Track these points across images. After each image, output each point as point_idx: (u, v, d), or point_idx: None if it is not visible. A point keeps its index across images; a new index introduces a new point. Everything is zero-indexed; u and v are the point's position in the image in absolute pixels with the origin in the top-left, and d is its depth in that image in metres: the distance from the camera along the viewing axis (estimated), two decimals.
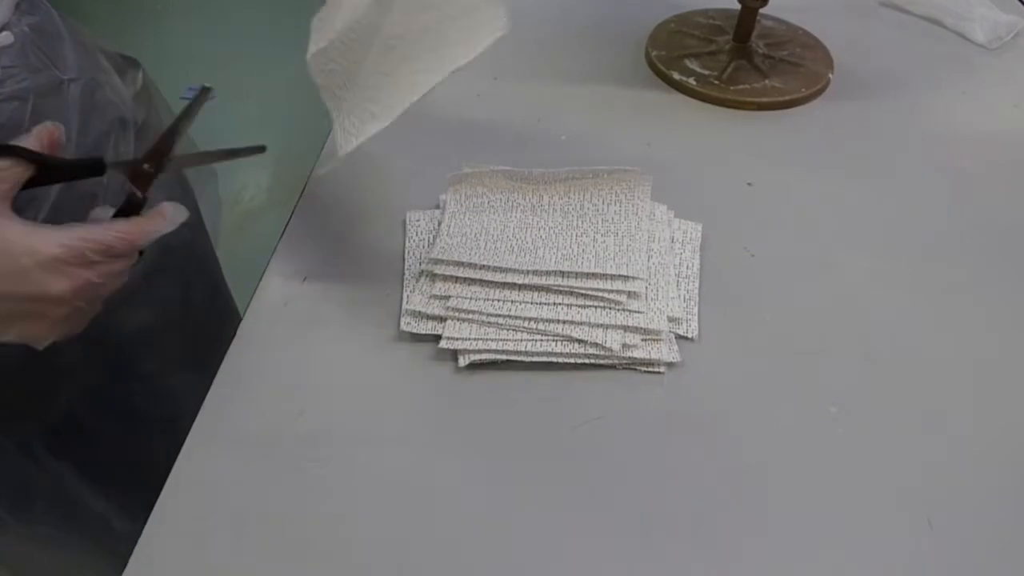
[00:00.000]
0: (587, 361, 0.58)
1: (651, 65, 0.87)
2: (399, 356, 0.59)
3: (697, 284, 0.63)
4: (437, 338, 0.58)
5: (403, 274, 0.63)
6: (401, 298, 0.61)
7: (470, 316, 0.58)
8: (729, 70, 0.85)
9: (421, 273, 0.62)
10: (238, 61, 2.10)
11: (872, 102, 0.84)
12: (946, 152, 0.78)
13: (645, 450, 0.54)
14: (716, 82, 0.84)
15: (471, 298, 0.59)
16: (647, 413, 0.56)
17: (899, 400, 0.57)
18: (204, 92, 0.54)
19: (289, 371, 0.58)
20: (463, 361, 0.57)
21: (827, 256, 0.67)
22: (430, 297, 0.60)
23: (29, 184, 0.46)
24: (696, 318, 0.61)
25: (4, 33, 0.54)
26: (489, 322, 0.58)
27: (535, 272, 0.59)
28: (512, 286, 0.59)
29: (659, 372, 0.58)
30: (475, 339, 0.58)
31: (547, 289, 0.59)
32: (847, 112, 0.83)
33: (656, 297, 0.61)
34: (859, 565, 0.49)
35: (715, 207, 0.70)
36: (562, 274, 0.59)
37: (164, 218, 0.50)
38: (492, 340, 0.58)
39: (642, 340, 0.58)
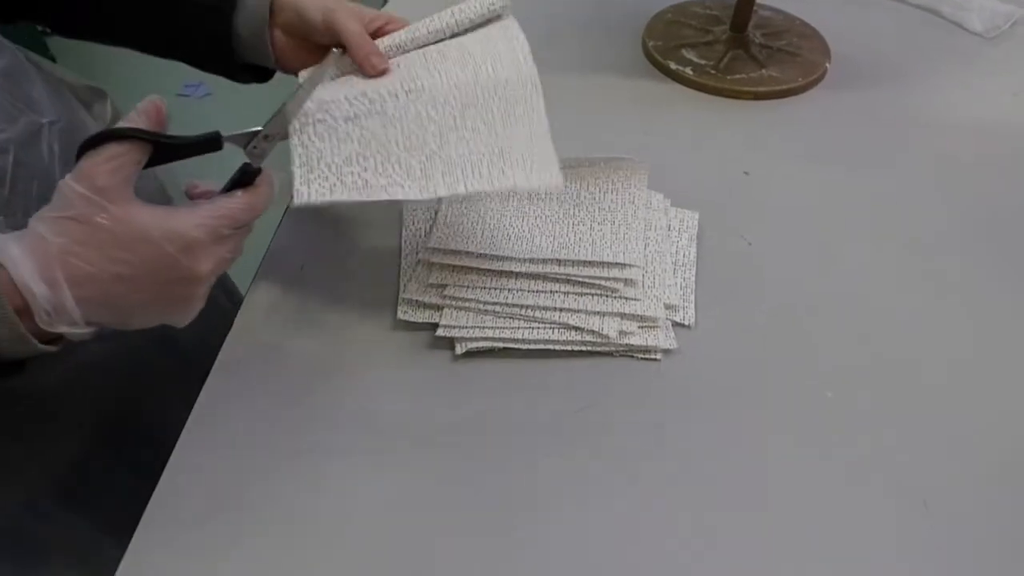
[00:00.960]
0: (584, 348, 0.58)
1: (648, 55, 0.87)
2: (396, 345, 0.59)
3: (693, 272, 0.63)
4: (434, 326, 0.58)
5: (400, 263, 0.63)
6: (398, 287, 0.62)
7: (467, 304, 0.59)
8: (726, 60, 0.85)
9: (418, 262, 0.62)
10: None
11: (869, 92, 0.84)
12: (943, 141, 0.78)
13: (642, 436, 0.54)
14: (713, 72, 0.84)
15: (468, 286, 0.59)
16: (644, 400, 0.56)
17: (894, 385, 0.57)
18: (341, 59, 0.54)
19: (285, 361, 0.58)
20: (460, 349, 0.57)
21: (823, 244, 0.67)
22: (427, 286, 0.60)
23: (146, 165, 0.46)
24: (692, 305, 0.61)
25: None
26: (486, 310, 0.58)
27: (532, 260, 0.59)
28: (509, 274, 0.60)
29: (655, 359, 0.58)
30: (472, 327, 0.58)
31: (544, 277, 0.59)
32: (844, 102, 0.83)
33: (652, 285, 0.61)
34: (856, 547, 0.49)
35: (712, 196, 0.70)
36: (559, 262, 0.60)
37: (272, 185, 0.49)
38: (489, 328, 0.58)
39: (639, 327, 0.58)
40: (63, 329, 0.43)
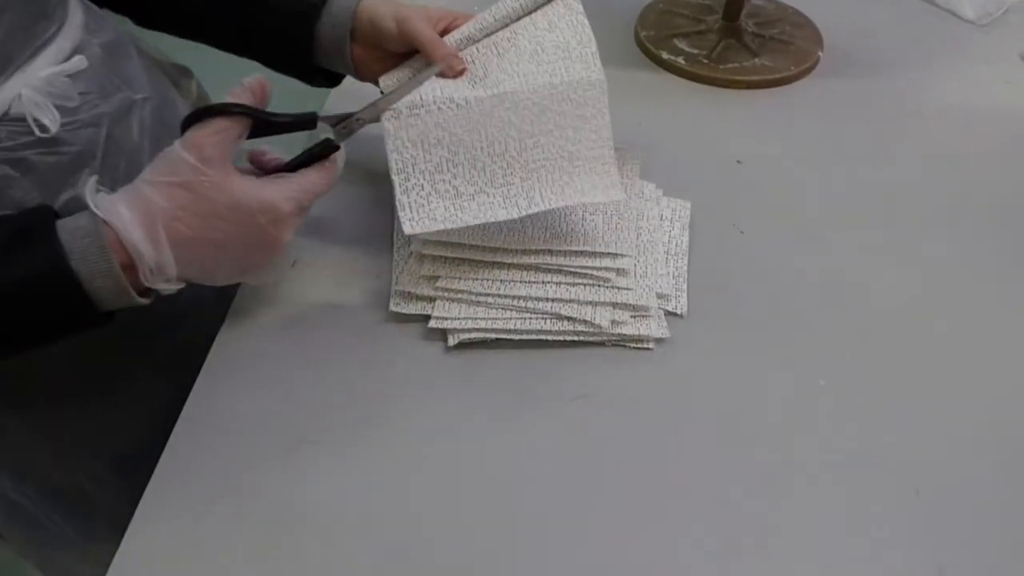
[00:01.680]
0: (576, 338, 0.58)
1: (640, 45, 0.87)
2: (389, 337, 0.59)
3: (686, 261, 0.63)
4: (427, 318, 0.58)
5: (392, 255, 0.63)
6: (391, 279, 0.61)
7: (459, 296, 0.59)
8: (718, 49, 0.85)
9: (410, 254, 0.62)
10: None
11: (862, 80, 0.84)
12: (937, 130, 0.78)
13: (635, 426, 0.54)
14: (705, 61, 0.83)
15: (460, 277, 0.59)
16: (637, 389, 0.56)
17: (887, 373, 0.57)
18: (432, 66, 0.57)
19: (279, 354, 0.58)
20: (453, 340, 0.57)
21: (816, 233, 0.67)
22: (419, 277, 0.60)
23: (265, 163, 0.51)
24: (685, 294, 0.61)
25: (78, 57, 0.53)
26: (478, 301, 0.58)
27: (524, 251, 0.59)
28: (501, 265, 0.59)
29: (648, 348, 0.58)
30: (464, 318, 0.58)
31: (536, 268, 0.59)
32: (837, 90, 0.83)
33: (645, 274, 0.61)
34: (849, 534, 0.50)
35: (705, 185, 0.70)
36: (551, 252, 0.59)
37: (342, 161, 0.53)
38: (481, 319, 0.58)
39: (631, 317, 0.58)
40: (159, 284, 0.48)
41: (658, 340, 0.58)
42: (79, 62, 0.53)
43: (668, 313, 0.60)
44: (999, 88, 0.84)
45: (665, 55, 0.84)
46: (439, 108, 0.56)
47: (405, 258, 0.62)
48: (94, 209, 0.46)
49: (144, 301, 0.48)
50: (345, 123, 0.55)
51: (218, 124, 0.48)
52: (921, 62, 0.87)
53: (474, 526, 0.50)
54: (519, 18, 0.60)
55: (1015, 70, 0.87)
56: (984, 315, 0.62)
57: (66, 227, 0.46)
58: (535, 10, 0.60)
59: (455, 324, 0.58)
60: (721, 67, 0.83)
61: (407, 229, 0.56)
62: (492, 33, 0.60)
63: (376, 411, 0.55)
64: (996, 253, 0.66)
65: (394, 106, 0.56)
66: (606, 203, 0.63)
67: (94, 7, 0.60)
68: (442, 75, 0.58)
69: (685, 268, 0.63)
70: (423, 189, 0.56)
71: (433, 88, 0.57)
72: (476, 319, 0.58)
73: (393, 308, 0.59)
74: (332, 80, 0.66)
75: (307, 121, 0.53)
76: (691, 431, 0.54)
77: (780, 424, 0.55)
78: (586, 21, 0.60)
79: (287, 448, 0.53)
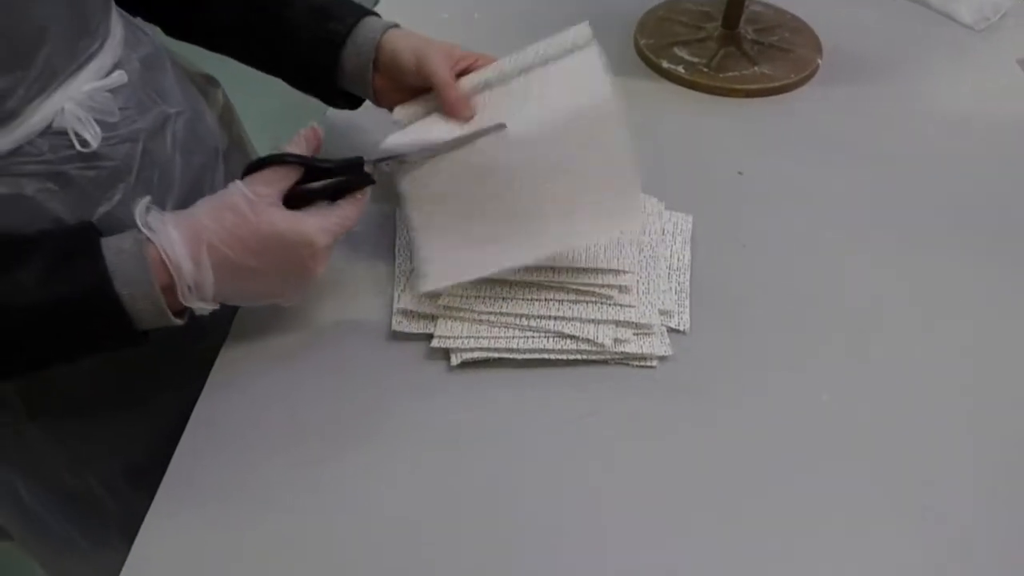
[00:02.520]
0: (579, 357, 0.58)
1: (640, 53, 0.87)
2: (391, 356, 0.59)
3: (688, 276, 0.63)
4: (429, 336, 0.58)
5: (394, 272, 0.63)
6: (392, 296, 0.61)
7: (461, 314, 0.58)
8: (718, 57, 0.85)
9: (412, 271, 0.61)
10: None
11: (861, 86, 0.84)
12: (936, 136, 0.78)
13: (639, 445, 0.54)
14: (705, 70, 0.83)
15: (462, 295, 0.59)
16: (640, 408, 0.56)
17: (892, 388, 0.57)
18: (498, 127, 0.57)
19: (281, 372, 0.58)
20: (455, 360, 0.57)
21: (818, 245, 0.67)
22: (421, 295, 0.59)
23: (298, 183, 0.53)
24: (687, 310, 0.61)
25: (118, 72, 0.54)
26: (480, 319, 0.58)
27: (526, 268, 0.59)
28: (503, 283, 0.59)
29: (651, 366, 0.58)
30: (467, 337, 0.58)
31: (538, 285, 0.59)
32: (836, 97, 0.83)
33: (647, 290, 0.61)
34: (853, 549, 0.50)
35: (706, 197, 0.70)
36: (553, 270, 0.59)
37: (366, 196, 0.56)
38: (484, 338, 0.58)
39: (634, 334, 0.58)
40: (195, 303, 0.50)
41: (661, 357, 0.58)
42: (119, 77, 0.54)
43: (671, 330, 0.60)
44: (997, 94, 0.85)
45: (665, 64, 0.84)
46: (451, 162, 0.57)
47: (407, 275, 0.62)
48: (142, 228, 0.49)
49: (179, 322, 0.50)
50: (387, 162, 0.57)
51: (272, 172, 0.52)
52: (919, 68, 0.87)
53: (477, 544, 0.50)
54: (537, 66, 0.61)
55: (1013, 76, 0.87)
56: (989, 327, 0.62)
57: (110, 247, 0.48)
58: (554, 60, 0.61)
59: (458, 343, 0.57)
60: (721, 75, 0.83)
61: (430, 285, 0.57)
62: (508, 80, 0.60)
63: (378, 430, 0.55)
64: (1004, 263, 0.66)
65: (409, 161, 0.57)
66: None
67: (133, 21, 0.61)
68: (449, 115, 0.59)
69: (687, 283, 0.63)
70: (444, 241, 0.58)
71: (443, 126, 0.58)
72: (479, 338, 0.58)
73: (395, 327, 0.59)
74: (353, 103, 0.67)
75: (354, 166, 0.55)
76: (695, 449, 0.54)
77: (784, 440, 0.55)
78: (601, 63, 0.60)
79: (289, 467, 0.53)
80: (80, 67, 0.52)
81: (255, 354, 0.59)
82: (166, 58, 0.63)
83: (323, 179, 0.54)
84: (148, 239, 0.49)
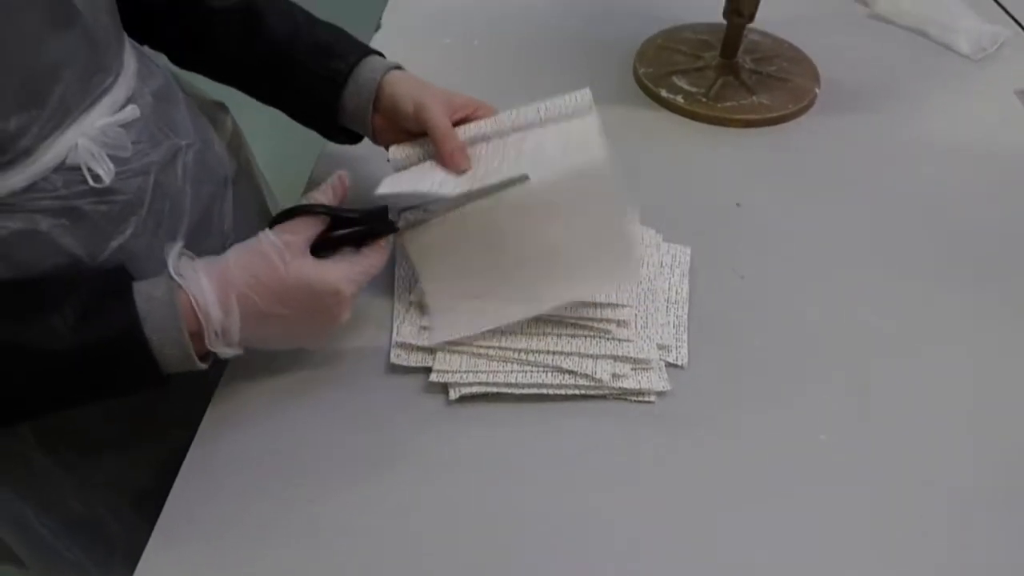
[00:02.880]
0: (578, 392, 0.58)
1: (639, 82, 0.87)
2: (389, 389, 0.59)
3: (686, 309, 0.63)
4: (428, 370, 0.58)
5: (393, 305, 0.63)
6: (391, 329, 0.61)
7: (459, 348, 0.58)
8: (716, 87, 0.85)
9: (411, 304, 0.62)
10: None
11: (858, 116, 0.85)
12: (934, 167, 0.79)
13: (637, 481, 0.54)
14: (704, 99, 0.84)
15: None
16: (638, 444, 0.56)
17: (890, 427, 0.57)
18: (520, 178, 0.57)
19: (279, 405, 0.58)
20: (454, 394, 0.57)
21: (817, 277, 0.68)
22: (420, 328, 0.60)
23: (325, 232, 0.54)
24: (686, 344, 0.61)
25: (131, 107, 0.55)
26: (479, 353, 0.58)
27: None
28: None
29: (650, 401, 0.58)
30: (465, 371, 0.58)
31: (536, 319, 0.59)
32: (834, 127, 0.83)
33: (646, 324, 0.61)
34: None
35: (704, 229, 0.71)
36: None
37: (390, 244, 0.58)
38: (483, 372, 0.58)
39: (632, 369, 0.58)
40: (220, 349, 0.51)
41: (659, 393, 0.58)
42: (132, 112, 0.55)
43: (669, 364, 0.60)
44: (994, 125, 0.85)
45: (664, 93, 0.84)
46: (447, 218, 0.58)
47: (406, 308, 0.62)
48: (174, 274, 0.50)
49: (204, 366, 0.51)
50: (412, 212, 0.58)
51: (300, 221, 0.53)
52: (917, 98, 0.88)
53: None
54: (535, 126, 0.61)
55: (1011, 107, 0.87)
56: (990, 364, 0.62)
57: (142, 293, 0.49)
58: (553, 121, 0.61)
59: (456, 378, 0.57)
60: (719, 105, 0.83)
61: (436, 338, 0.58)
62: (506, 135, 0.61)
63: (377, 465, 0.55)
64: (1001, 297, 0.66)
65: (406, 218, 0.58)
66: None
67: (144, 53, 0.62)
68: (444, 165, 0.60)
69: (686, 317, 0.63)
70: (449, 294, 0.59)
71: (439, 191, 0.58)
72: (477, 372, 0.58)
73: (394, 360, 0.59)
74: (353, 138, 0.68)
75: (379, 215, 0.57)
76: (693, 487, 0.54)
77: (780, 482, 0.54)
78: (599, 128, 0.60)
79: (288, 500, 0.53)
80: (94, 102, 0.53)
81: (253, 388, 0.59)
82: (177, 89, 0.64)
83: (348, 227, 0.56)
84: (179, 286, 0.49)
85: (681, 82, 0.86)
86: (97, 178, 0.52)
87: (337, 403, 0.58)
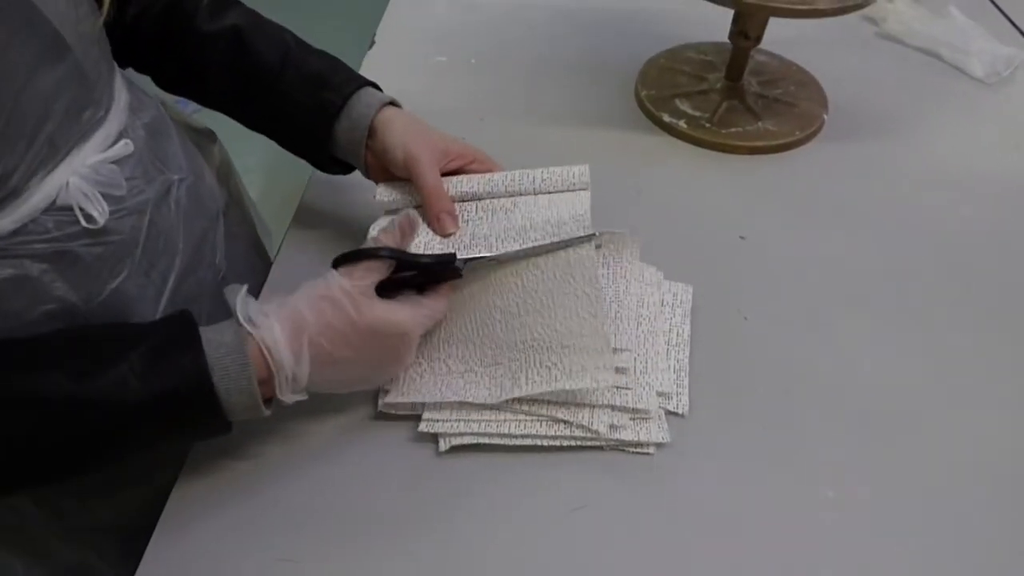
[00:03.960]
0: (573, 444, 0.55)
1: (641, 106, 0.85)
2: (376, 437, 0.56)
3: (688, 352, 0.61)
4: (417, 417, 0.56)
5: None
6: None
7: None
8: (721, 111, 0.82)
9: None
10: None
11: (867, 144, 0.82)
12: (946, 200, 0.76)
13: (634, 539, 0.52)
14: (707, 125, 0.81)
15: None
16: (636, 499, 0.53)
17: (899, 482, 0.55)
18: (588, 237, 0.57)
19: (261, 455, 0.55)
20: (444, 445, 0.55)
21: (824, 318, 0.65)
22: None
23: (390, 275, 0.53)
24: (686, 391, 0.58)
25: (123, 142, 0.52)
26: (471, 402, 0.56)
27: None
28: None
29: (648, 453, 0.55)
30: (456, 420, 0.55)
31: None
32: (842, 156, 0.80)
33: (645, 370, 0.58)
34: None
35: (707, 264, 0.68)
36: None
37: (452, 289, 0.57)
38: (474, 421, 0.55)
39: (630, 419, 0.56)
40: (288, 396, 0.49)
41: (659, 444, 0.56)
42: (125, 148, 0.52)
43: (668, 412, 0.57)
44: (1009, 154, 0.82)
45: (666, 117, 0.82)
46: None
47: None
48: (243, 322, 0.48)
49: (268, 413, 0.49)
50: (479, 261, 0.56)
51: (368, 264, 0.51)
52: (928, 124, 0.85)
53: None
54: (528, 194, 0.61)
55: None
56: (1005, 411, 0.59)
57: (211, 341, 0.47)
58: (545, 193, 0.61)
59: (446, 428, 0.55)
60: (724, 131, 0.80)
61: (388, 399, 0.56)
62: (497, 198, 0.60)
63: (361, 520, 0.52)
64: (1016, 340, 0.64)
65: (500, 261, 0.56)
66: (604, 290, 0.61)
67: (135, 84, 0.59)
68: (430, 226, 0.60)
69: (687, 361, 0.60)
70: (419, 366, 0.57)
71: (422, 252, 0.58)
72: (468, 421, 0.55)
73: (382, 408, 0.56)
74: (345, 169, 0.66)
75: (447, 262, 0.55)
76: (692, 545, 0.51)
77: (783, 539, 0.52)
78: (588, 208, 0.60)
79: (269, 559, 0.50)
80: (84, 137, 0.50)
81: (234, 437, 0.56)
82: (169, 121, 0.61)
83: (414, 270, 0.54)
84: (248, 333, 0.48)
85: (684, 106, 0.83)
86: (90, 219, 0.50)
87: (320, 453, 0.55)
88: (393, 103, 0.63)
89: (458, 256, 0.55)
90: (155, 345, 0.46)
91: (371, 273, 0.51)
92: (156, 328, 0.49)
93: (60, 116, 0.47)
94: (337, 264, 0.52)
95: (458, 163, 0.61)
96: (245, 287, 0.50)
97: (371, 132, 0.61)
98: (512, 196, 0.59)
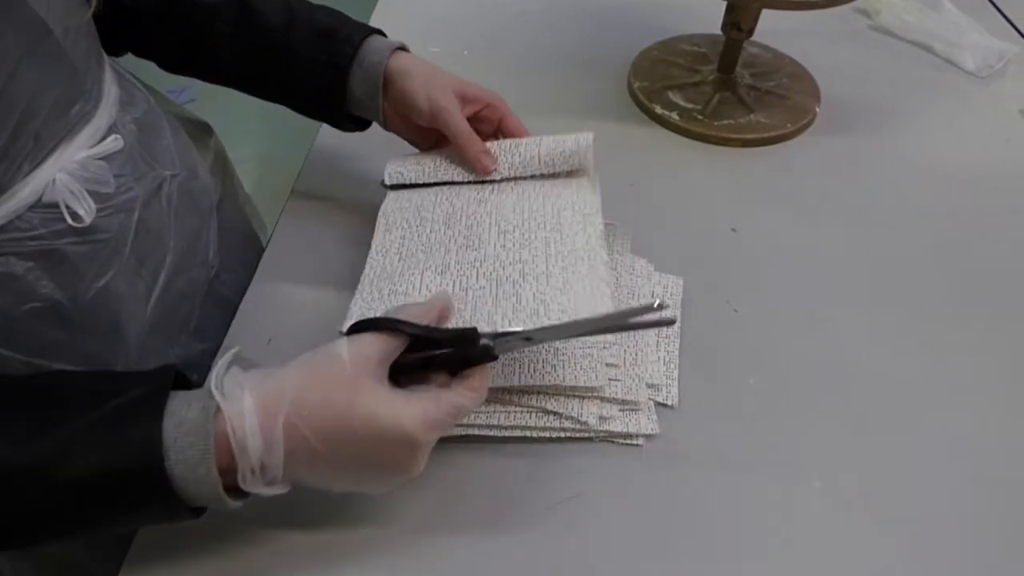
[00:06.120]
0: (563, 435, 0.55)
1: (633, 97, 0.85)
2: None
3: (677, 345, 0.61)
4: None
5: None
6: None
7: None
8: (713, 103, 0.82)
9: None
10: None
11: (859, 137, 0.82)
12: (936, 193, 0.76)
13: (624, 529, 0.52)
14: (700, 117, 0.81)
15: None
16: (625, 489, 0.54)
17: (888, 473, 0.55)
18: (653, 308, 0.45)
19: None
20: None
21: (814, 311, 0.65)
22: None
23: (407, 351, 0.45)
24: (676, 383, 0.59)
25: (113, 137, 0.51)
26: None
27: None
28: None
29: (637, 444, 0.56)
30: None
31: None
32: (833, 149, 0.81)
33: (635, 362, 0.58)
34: None
35: (698, 256, 0.68)
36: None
37: (488, 377, 0.47)
38: None
39: (619, 411, 0.56)
40: (258, 489, 0.42)
41: (648, 435, 0.56)
42: (114, 143, 0.51)
43: (658, 404, 0.58)
44: (1000, 147, 0.82)
45: (659, 109, 0.82)
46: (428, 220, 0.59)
47: None
48: (214, 390, 0.41)
49: (237, 505, 0.42)
50: (506, 338, 0.48)
51: (383, 340, 0.44)
52: (920, 117, 0.85)
53: None
54: (539, 168, 0.62)
55: (1015, 127, 0.85)
56: (995, 403, 0.59)
57: (175, 413, 0.40)
58: (558, 173, 0.63)
59: None
60: (716, 123, 0.80)
61: (351, 319, 0.53)
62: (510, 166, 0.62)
63: (347, 515, 0.52)
64: (1006, 330, 0.64)
65: (502, 344, 0.48)
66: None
67: (127, 77, 0.58)
68: (474, 169, 0.62)
69: (676, 353, 0.60)
70: (380, 293, 0.56)
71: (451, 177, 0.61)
72: None
73: None
74: (362, 125, 0.66)
75: (468, 337, 0.47)
76: (681, 535, 0.52)
77: (772, 531, 0.52)
78: (597, 191, 0.62)
79: (256, 559, 0.50)
80: (72, 132, 0.49)
81: None
82: (161, 115, 0.60)
83: (432, 348, 0.46)
84: (218, 408, 0.41)
85: (677, 98, 0.83)
86: (76, 217, 0.49)
87: None
88: (402, 48, 0.62)
89: (482, 330, 0.47)
90: (115, 407, 0.40)
91: (384, 351, 0.43)
92: (128, 387, 0.41)
93: (47, 110, 0.46)
94: (352, 331, 0.44)
95: (474, 108, 0.61)
96: (236, 349, 0.44)
97: (386, 80, 0.60)
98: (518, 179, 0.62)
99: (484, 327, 0.49)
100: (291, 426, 0.41)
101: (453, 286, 0.55)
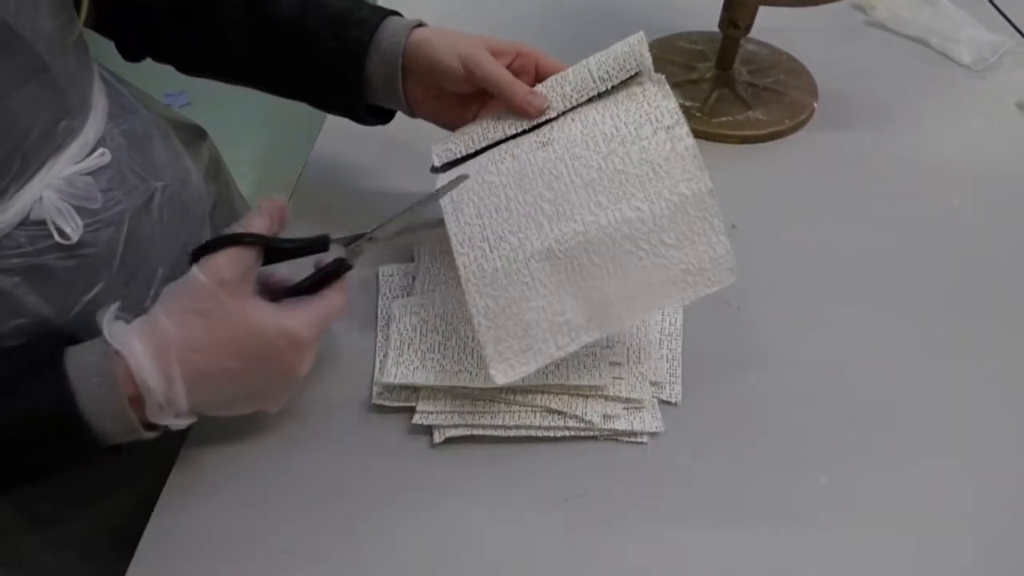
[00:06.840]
0: (567, 434, 0.55)
1: None
2: (371, 430, 0.56)
3: (680, 342, 0.61)
4: (411, 409, 0.56)
5: (374, 343, 0.60)
6: (373, 367, 0.59)
7: (444, 387, 0.56)
8: (711, 100, 0.82)
9: (387, 338, 0.59)
10: None
11: (857, 133, 0.82)
12: (935, 188, 0.76)
13: (628, 528, 0.52)
14: (698, 114, 0.81)
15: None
16: (630, 488, 0.54)
17: (892, 469, 0.55)
18: (461, 178, 0.53)
19: (254, 450, 0.55)
20: (438, 437, 0.55)
21: (816, 309, 0.65)
22: (402, 367, 0.57)
23: (278, 283, 0.50)
24: (679, 381, 0.59)
25: (99, 152, 0.51)
26: (464, 393, 0.56)
27: None
28: None
29: (642, 443, 0.56)
30: (450, 412, 0.55)
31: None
32: (831, 144, 0.81)
33: (638, 360, 0.58)
34: None
35: None
36: None
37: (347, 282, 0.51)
38: (467, 412, 0.55)
39: (624, 409, 0.56)
40: (168, 420, 0.46)
41: (652, 434, 0.56)
42: (101, 158, 0.51)
43: (662, 402, 0.58)
44: (997, 141, 0.83)
45: None
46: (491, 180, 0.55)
47: (388, 343, 0.59)
48: (108, 339, 0.45)
49: (152, 435, 0.47)
50: (357, 243, 0.52)
51: (231, 253, 0.46)
52: (918, 112, 0.85)
53: None
54: (596, 86, 0.58)
55: (1012, 120, 0.85)
56: (997, 400, 0.59)
57: (76, 362, 0.44)
58: (613, 91, 0.58)
59: (441, 419, 0.55)
60: (714, 120, 0.81)
61: (502, 378, 0.52)
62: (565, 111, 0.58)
63: (356, 513, 0.52)
64: (1005, 325, 0.64)
65: (353, 250, 0.52)
66: None
67: (118, 88, 0.58)
68: (522, 115, 0.57)
69: (679, 351, 0.61)
70: (506, 325, 0.53)
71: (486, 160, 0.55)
72: (463, 412, 0.55)
73: (376, 400, 0.57)
74: (384, 117, 0.64)
75: (319, 244, 0.51)
76: (687, 533, 0.52)
77: (778, 527, 0.52)
78: (668, 93, 0.58)
79: (264, 559, 0.50)
80: (59, 149, 0.48)
81: (227, 432, 0.56)
82: (153, 126, 0.59)
83: (286, 259, 0.50)
84: (116, 351, 0.44)
85: (674, 95, 0.83)
86: (63, 234, 0.49)
87: (314, 446, 0.55)
88: (421, 24, 0.60)
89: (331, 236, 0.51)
90: (17, 369, 0.44)
91: (238, 265, 0.46)
92: (21, 350, 0.47)
93: (34, 131, 0.46)
94: (196, 256, 0.47)
95: (505, 60, 0.58)
96: (117, 304, 0.47)
97: (408, 58, 0.57)
98: (577, 107, 0.57)
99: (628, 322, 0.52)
100: (184, 358, 0.45)
101: (570, 278, 0.52)
